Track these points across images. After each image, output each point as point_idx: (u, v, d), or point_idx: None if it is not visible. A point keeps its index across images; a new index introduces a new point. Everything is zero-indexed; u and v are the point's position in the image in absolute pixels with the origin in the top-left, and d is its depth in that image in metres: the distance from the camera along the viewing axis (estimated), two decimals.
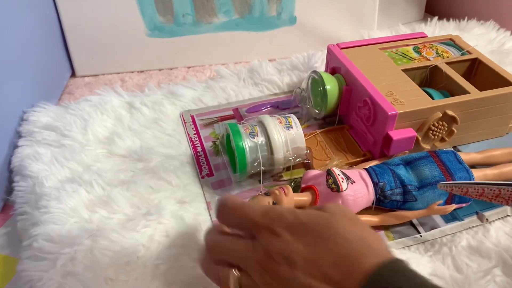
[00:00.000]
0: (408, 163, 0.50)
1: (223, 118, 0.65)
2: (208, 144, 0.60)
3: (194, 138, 0.61)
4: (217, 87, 0.70)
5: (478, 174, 0.49)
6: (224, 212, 0.37)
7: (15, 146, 0.59)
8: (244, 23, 0.78)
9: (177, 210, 0.49)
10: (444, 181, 0.47)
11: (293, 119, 0.53)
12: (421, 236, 0.47)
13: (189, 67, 0.81)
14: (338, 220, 0.33)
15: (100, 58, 0.78)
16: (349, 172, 0.48)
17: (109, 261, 0.43)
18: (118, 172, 0.55)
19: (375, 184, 0.47)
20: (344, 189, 0.45)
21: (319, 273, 0.31)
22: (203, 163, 0.57)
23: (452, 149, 0.52)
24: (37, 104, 0.64)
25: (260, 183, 0.53)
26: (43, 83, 0.69)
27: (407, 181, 0.47)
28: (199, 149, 0.59)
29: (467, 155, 0.52)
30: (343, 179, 0.46)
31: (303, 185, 0.49)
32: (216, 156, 0.58)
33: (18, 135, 0.61)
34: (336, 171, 0.47)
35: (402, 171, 0.48)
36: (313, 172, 0.50)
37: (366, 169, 0.49)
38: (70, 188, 0.51)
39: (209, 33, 0.78)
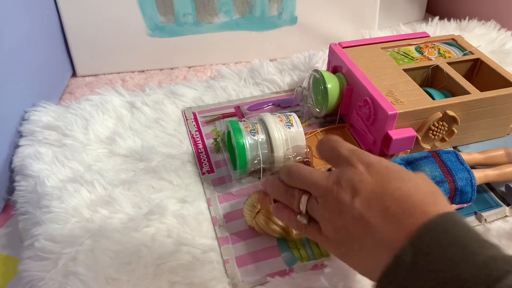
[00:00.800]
0: (409, 163, 0.50)
1: (224, 116, 0.65)
2: (209, 141, 0.60)
3: (196, 135, 0.61)
4: (218, 86, 0.70)
5: (479, 175, 0.49)
6: (323, 143, 0.39)
7: (16, 146, 0.59)
8: (245, 23, 0.78)
9: (179, 210, 0.49)
10: (444, 181, 0.47)
11: (294, 117, 0.53)
12: None
13: (190, 67, 0.81)
14: (417, 175, 0.33)
15: (100, 58, 0.78)
16: None
17: (110, 261, 0.43)
18: (119, 171, 0.55)
19: None
20: None
21: (378, 205, 0.31)
22: (204, 159, 0.57)
23: (453, 149, 0.52)
24: (38, 103, 0.64)
25: (260, 180, 0.54)
26: (44, 83, 0.69)
27: None
28: (200, 146, 0.59)
29: (469, 155, 0.52)
30: None
31: None
32: (217, 153, 0.58)
33: (19, 134, 0.61)
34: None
35: None
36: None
37: None
38: (72, 188, 0.51)
39: (210, 33, 0.78)
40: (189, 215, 0.49)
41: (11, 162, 0.58)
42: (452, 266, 0.26)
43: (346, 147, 0.36)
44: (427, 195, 0.31)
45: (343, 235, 0.33)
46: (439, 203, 0.31)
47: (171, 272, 0.43)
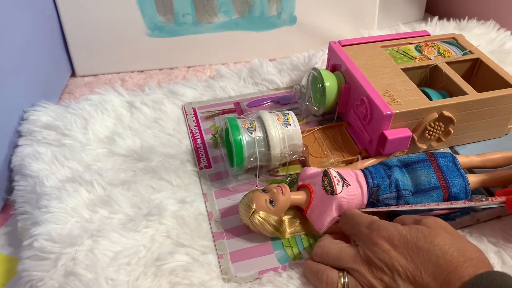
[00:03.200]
0: (405, 165, 0.49)
1: (224, 111, 0.65)
2: (208, 137, 0.61)
3: (195, 130, 0.62)
4: (217, 86, 0.70)
5: (475, 179, 0.48)
6: (344, 218, 0.43)
7: (15, 146, 0.59)
8: (244, 22, 0.78)
9: (178, 210, 0.49)
10: (438, 187, 0.46)
11: (292, 116, 0.53)
12: None
13: (189, 67, 0.81)
14: (438, 234, 0.35)
15: (100, 58, 0.78)
16: (345, 173, 0.48)
17: (110, 261, 0.43)
18: (119, 171, 0.55)
19: (369, 188, 0.47)
20: (338, 192, 0.45)
21: (418, 282, 0.33)
22: (202, 155, 0.58)
23: (451, 152, 0.51)
24: (38, 103, 0.64)
25: (256, 177, 0.54)
26: (43, 82, 0.69)
27: (402, 186, 0.47)
28: (199, 141, 0.60)
29: (466, 158, 0.51)
30: (338, 181, 0.46)
31: (300, 183, 0.50)
32: (215, 148, 0.59)
33: (18, 134, 0.61)
34: (333, 172, 0.47)
35: (398, 175, 0.48)
36: (310, 170, 0.50)
37: (363, 171, 0.49)
38: (71, 188, 0.51)
39: (209, 32, 0.78)
40: (189, 215, 0.49)
41: (10, 162, 0.58)
42: None
43: (365, 222, 0.40)
44: (457, 256, 0.33)
45: None
46: (472, 259, 0.33)
47: (170, 273, 0.43)
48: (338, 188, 0.45)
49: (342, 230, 0.43)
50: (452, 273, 0.32)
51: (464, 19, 0.87)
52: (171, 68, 0.81)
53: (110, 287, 0.41)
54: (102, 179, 0.52)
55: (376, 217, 0.41)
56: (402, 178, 0.47)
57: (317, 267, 0.40)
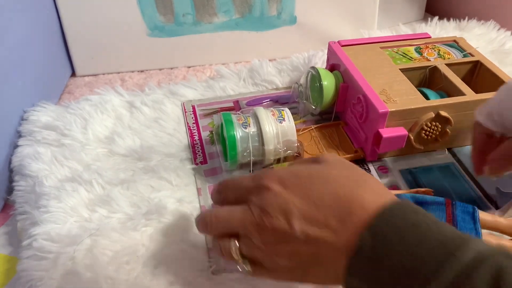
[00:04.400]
0: (418, 203, 0.44)
1: (223, 109, 0.66)
2: (205, 133, 0.61)
3: (193, 127, 0.62)
4: (217, 86, 0.70)
5: (492, 242, 0.41)
6: (222, 187, 0.37)
7: (15, 146, 0.59)
8: (244, 22, 0.78)
9: (178, 209, 0.49)
10: None
11: (287, 112, 0.53)
12: None
13: (189, 67, 0.81)
14: (334, 168, 0.32)
15: (100, 58, 0.78)
16: None
17: (109, 261, 0.43)
18: (118, 171, 0.55)
19: None
20: None
21: (316, 219, 0.29)
22: (198, 150, 0.58)
23: (474, 206, 0.43)
24: (37, 103, 0.64)
25: (250, 173, 0.54)
26: (43, 82, 0.69)
27: None
28: (196, 137, 0.61)
29: (491, 217, 0.43)
30: None
31: None
32: (212, 145, 0.59)
33: (18, 134, 0.61)
34: None
35: None
36: None
37: None
38: (70, 187, 0.51)
39: (209, 32, 0.78)
40: (188, 214, 0.49)
41: (10, 162, 0.58)
42: (410, 247, 0.26)
43: (247, 178, 0.35)
44: (356, 187, 0.30)
45: (295, 261, 0.31)
46: (374, 189, 0.30)
47: (169, 272, 0.43)
48: None
49: (221, 200, 0.37)
50: (354, 205, 0.29)
51: (464, 19, 0.87)
52: (171, 68, 0.81)
53: (110, 286, 0.41)
54: (102, 179, 0.53)
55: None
56: None
57: (214, 243, 0.36)
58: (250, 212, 0.32)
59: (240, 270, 0.34)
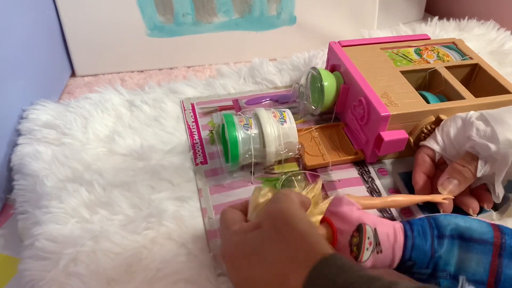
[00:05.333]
0: (461, 238, 0.39)
1: (222, 108, 0.66)
2: (205, 133, 0.61)
3: (192, 126, 0.62)
4: (217, 84, 0.71)
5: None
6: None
7: (14, 145, 0.59)
8: (244, 22, 0.78)
9: (179, 211, 0.49)
10: (483, 284, 0.37)
11: (288, 114, 0.53)
12: None
13: (189, 67, 0.81)
14: (267, 240, 0.33)
15: (100, 58, 0.78)
16: (383, 230, 0.39)
17: (111, 263, 0.43)
18: (119, 171, 0.55)
19: (404, 260, 0.39)
20: (363, 260, 0.38)
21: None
22: (199, 150, 0.58)
23: None
24: (37, 102, 0.64)
25: (251, 175, 0.54)
26: (43, 82, 0.69)
27: (442, 266, 0.38)
28: (196, 137, 0.60)
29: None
30: (370, 244, 0.38)
31: (327, 214, 0.41)
32: (212, 144, 0.59)
33: (18, 133, 0.61)
34: (368, 231, 0.38)
35: (445, 251, 0.38)
36: (345, 208, 0.40)
37: (404, 227, 0.40)
38: (71, 188, 0.51)
39: (209, 32, 0.78)
40: (189, 215, 0.49)
41: (9, 161, 0.58)
42: None
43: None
44: (286, 263, 0.31)
45: None
46: (300, 259, 0.31)
47: (171, 274, 0.43)
48: (366, 254, 0.38)
49: None
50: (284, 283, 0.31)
51: (464, 19, 0.87)
52: (171, 68, 0.81)
53: None
54: (102, 179, 0.52)
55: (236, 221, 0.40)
56: (448, 255, 0.38)
57: None
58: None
59: None
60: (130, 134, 0.60)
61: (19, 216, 0.51)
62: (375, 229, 0.39)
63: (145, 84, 0.73)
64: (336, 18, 0.81)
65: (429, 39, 0.67)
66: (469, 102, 0.53)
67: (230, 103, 0.67)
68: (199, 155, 0.58)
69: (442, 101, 0.56)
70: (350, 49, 0.63)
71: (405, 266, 0.39)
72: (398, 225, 0.40)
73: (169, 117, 0.64)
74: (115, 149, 0.58)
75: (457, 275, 0.38)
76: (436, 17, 0.87)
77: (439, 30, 0.84)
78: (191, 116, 0.64)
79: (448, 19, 0.88)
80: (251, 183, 0.54)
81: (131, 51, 0.78)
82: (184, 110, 0.65)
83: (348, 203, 0.41)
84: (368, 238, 0.38)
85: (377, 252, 0.38)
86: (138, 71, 0.80)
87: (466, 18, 0.87)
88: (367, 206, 0.43)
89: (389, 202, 0.46)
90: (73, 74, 0.79)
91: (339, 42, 0.64)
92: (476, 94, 0.54)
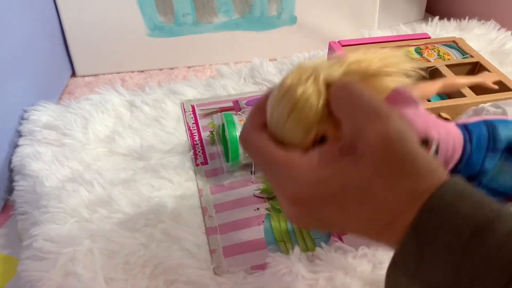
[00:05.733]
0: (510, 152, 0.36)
1: (222, 109, 0.66)
2: (205, 134, 0.61)
3: (193, 127, 0.62)
4: (218, 85, 0.71)
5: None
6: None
7: (15, 145, 0.59)
8: (244, 22, 0.78)
9: (177, 208, 0.49)
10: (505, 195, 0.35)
11: None
12: None
13: (190, 67, 0.81)
14: (375, 174, 0.24)
15: (100, 58, 0.78)
16: (445, 141, 0.35)
17: (109, 261, 0.43)
18: (119, 170, 0.55)
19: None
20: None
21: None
22: (199, 151, 0.58)
23: None
24: (38, 103, 0.64)
25: (252, 174, 0.54)
26: (44, 82, 0.69)
27: (479, 177, 0.36)
28: (196, 138, 0.61)
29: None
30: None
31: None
32: (212, 145, 0.59)
33: (19, 134, 0.61)
34: (432, 149, 0.34)
35: (492, 165, 0.36)
36: (410, 111, 0.33)
37: (464, 147, 0.35)
38: (71, 188, 0.51)
39: (209, 32, 0.78)
40: (188, 213, 0.49)
41: (10, 162, 0.58)
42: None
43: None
44: (399, 202, 0.24)
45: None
46: (418, 194, 0.24)
47: (169, 271, 0.43)
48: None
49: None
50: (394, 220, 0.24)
51: (464, 19, 0.87)
52: (171, 68, 0.81)
53: (109, 286, 0.41)
54: (102, 179, 0.52)
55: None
56: (493, 169, 0.36)
57: None
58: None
59: None
60: (130, 135, 0.60)
61: (18, 217, 0.51)
62: (438, 145, 0.35)
63: (145, 84, 0.73)
64: (336, 18, 0.81)
65: (429, 38, 0.67)
66: (470, 100, 0.53)
67: (231, 104, 0.67)
68: (200, 155, 0.58)
69: (442, 99, 0.56)
70: (350, 49, 0.63)
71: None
72: (457, 138, 0.35)
73: (169, 118, 0.64)
74: (115, 149, 0.58)
75: (487, 184, 0.35)
76: (437, 17, 0.87)
77: (440, 30, 0.83)
78: (192, 118, 0.64)
79: (448, 19, 0.87)
80: (252, 182, 0.54)
81: (132, 51, 0.78)
82: (185, 111, 0.65)
83: (413, 104, 0.31)
84: (430, 153, 0.34)
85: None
86: (138, 71, 0.80)
87: (467, 18, 0.87)
88: (427, 96, 0.39)
89: (448, 84, 0.42)
90: (73, 74, 0.79)
91: (339, 41, 0.64)
92: (477, 92, 0.54)
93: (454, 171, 0.35)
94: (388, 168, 0.24)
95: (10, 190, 0.57)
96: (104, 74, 0.79)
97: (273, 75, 0.72)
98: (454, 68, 0.60)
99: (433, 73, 0.60)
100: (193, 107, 0.66)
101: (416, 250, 0.24)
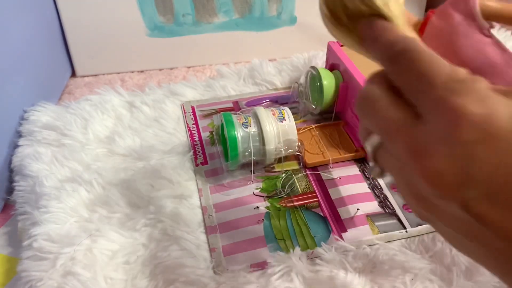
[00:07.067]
0: None
1: (222, 110, 0.66)
2: (205, 134, 0.61)
3: (193, 128, 0.63)
4: (217, 86, 0.70)
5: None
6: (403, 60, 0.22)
7: (15, 146, 0.59)
8: (244, 23, 0.78)
9: (177, 208, 0.49)
10: None
11: (287, 111, 0.54)
12: (406, 231, 0.47)
13: (189, 67, 0.81)
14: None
15: (100, 58, 0.78)
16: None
17: (108, 260, 0.43)
18: (118, 171, 0.55)
19: None
20: None
21: None
22: (199, 151, 0.59)
23: None
24: (38, 103, 0.64)
25: (251, 173, 0.54)
26: (43, 83, 0.69)
27: None
28: (196, 138, 0.61)
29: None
30: None
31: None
32: (212, 145, 0.59)
33: (19, 134, 0.61)
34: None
35: None
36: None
37: None
38: (70, 188, 0.51)
39: (209, 33, 0.78)
40: (187, 213, 0.49)
41: (10, 162, 0.58)
42: None
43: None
44: None
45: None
46: None
47: (168, 271, 0.43)
48: None
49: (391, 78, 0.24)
50: None
51: None
52: (171, 68, 0.81)
53: (109, 286, 0.41)
54: (102, 179, 0.53)
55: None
56: None
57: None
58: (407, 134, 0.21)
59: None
60: (130, 135, 0.60)
61: (19, 217, 0.51)
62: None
63: (145, 84, 0.73)
64: None
65: None
66: None
67: (231, 105, 0.67)
68: (200, 156, 0.58)
69: None
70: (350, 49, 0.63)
71: None
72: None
73: (169, 118, 0.64)
74: (115, 149, 0.58)
75: None
76: None
77: None
78: (192, 119, 0.64)
79: None
80: (251, 181, 0.54)
81: (131, 51, 0.78)
82: (185, 113, 0.65)
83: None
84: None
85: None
86: (138, 71, 0.80)
87: None
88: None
89: None
90: (73, 74, 0.79)
91: (337, 41, 0.64)
92: None
93: None
94: None
95: (10, 190, 0.57)
96: (104, 74, 0.79)
97: (272, 75, 0.72)
98: None
99: None
100: (193, 108, 0.66)
101: None
